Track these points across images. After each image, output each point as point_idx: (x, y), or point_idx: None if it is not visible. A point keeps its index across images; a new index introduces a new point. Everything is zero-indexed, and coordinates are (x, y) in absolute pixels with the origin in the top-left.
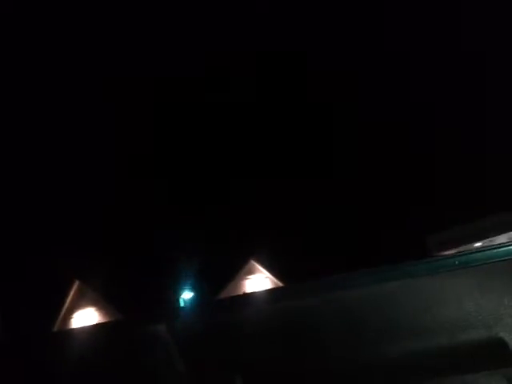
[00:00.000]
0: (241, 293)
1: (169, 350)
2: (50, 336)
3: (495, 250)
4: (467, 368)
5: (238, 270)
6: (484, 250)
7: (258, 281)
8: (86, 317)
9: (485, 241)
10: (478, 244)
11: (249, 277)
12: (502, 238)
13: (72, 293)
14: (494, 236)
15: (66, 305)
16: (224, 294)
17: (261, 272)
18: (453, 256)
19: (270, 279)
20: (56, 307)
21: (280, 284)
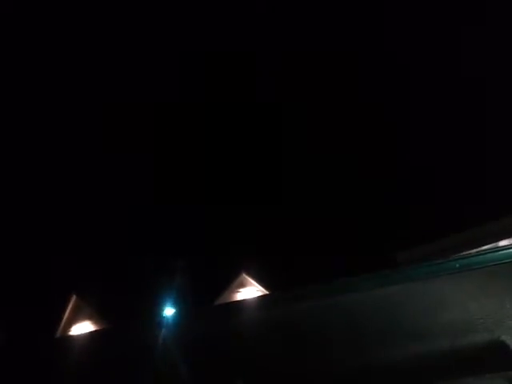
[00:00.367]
0: None
1: (170, 355)
2: (52, 342)
3: (496, 253)
4: (469, 371)
5: (229, 283)
6: (485, 253)
7: (250, 294)
8: (83, 330)
9: (455, 256)
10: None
11: (240, 290)
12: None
13: (70, 307)
14: (465, 251)
15: (64, 318)
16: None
17: (252, 285)
18: (454, 259)
19: (262, 292)
20: (55, 320)
21: None
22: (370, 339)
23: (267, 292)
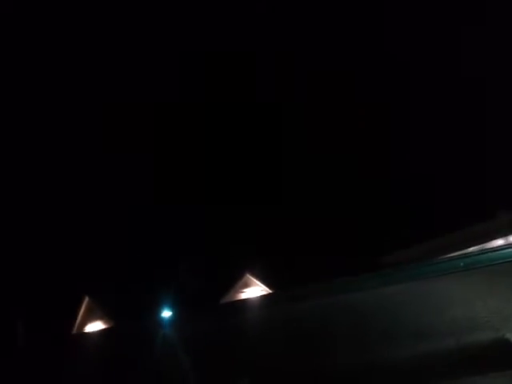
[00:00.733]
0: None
1: (175, 354)
2: (66, 339)
3: (500, 252)
4: (474, 369)
5: (233, 283)
6: (489, 252)
7: (254, 294)
8: (94, 329)
9: (440, 258)
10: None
11: (244, 290)
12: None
13: (82, 308)
14: (450, 254)
15: (78, 319)
16: None
17: (256, 285)
18: (458, 258)
19: (266, 292)
20: (69, 321)
21: None
22: (373, 338)
23: (271, 292)
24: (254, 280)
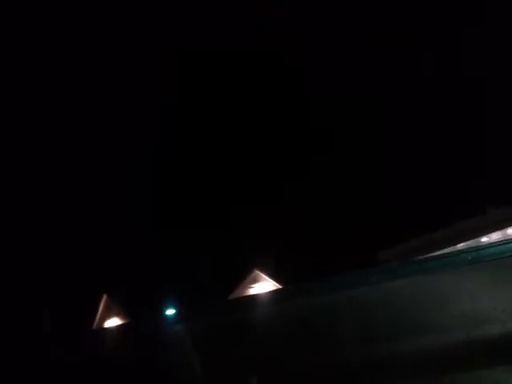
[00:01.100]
0: None
1: (185, 349)
2: (84, 334)
3: (508, 245)
4: (482, 363)
5: (242, 279)
6: (496, 245)
7: (262, 289)
8: (112, 324)
9: (432, 254)
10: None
11: (253, 285)
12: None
13: (101, 305)
14: (441, 249)
15: (98, 315)
16: None
17: (265, 280)
18: (465, 251)
19: (275, 287)
20: (89, 318)
21: None
22: (382, 332)
23: (280, 287)
24: (263, 275)
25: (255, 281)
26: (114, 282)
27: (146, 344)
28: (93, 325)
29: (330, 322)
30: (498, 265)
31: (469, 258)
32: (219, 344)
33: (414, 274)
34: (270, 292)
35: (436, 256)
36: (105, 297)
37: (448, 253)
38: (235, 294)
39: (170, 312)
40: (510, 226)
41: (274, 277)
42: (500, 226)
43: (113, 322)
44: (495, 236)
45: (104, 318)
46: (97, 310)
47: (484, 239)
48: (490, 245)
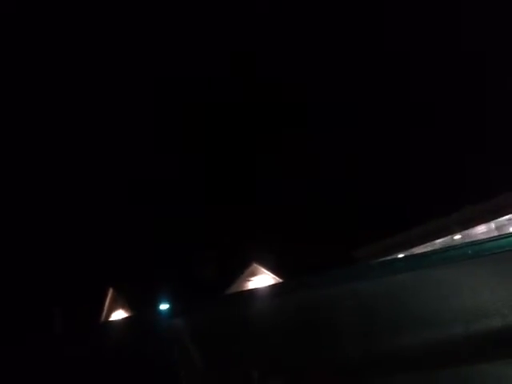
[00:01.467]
0: None
1: (185, 345)
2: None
3: (508, 239)
4: (483, 357)
5: (241, 272)
6: (497, 239)
7: (261, 282)
8: (118, 317)
9: (407, 252)
10: (401, 255)
11: (251, 279)
12: (423, 249)
13: (108, 298)
14: (416, 247)
15: (105, 308)
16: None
17: (264, 273)
18: (466, 245)
19: (273, 280)
20: (97, 310)
21: None
22: (382, 326)
23: (278, 280)
24: (261, 269)
25: (254, 274)
26: (118, 278)
27: (144, 339)
28: (101, 317)
29: (331, 316)
30: (498, 259)
31: (469, 251)
32: (218, 339)
33: (415, 268)
34: (269, 286)
35: (437, 250)
36: (111, 291)
37: (449, 247)
38: (234, 288)
39: (168, 306)
40: (482, 223)
41: (273, 270)
42: (473, 223)
43: (119, 314)
44: (469, 232)
45: (111, 310)
46: (104, 304)
47: (457, 237)
48: (491, 239)
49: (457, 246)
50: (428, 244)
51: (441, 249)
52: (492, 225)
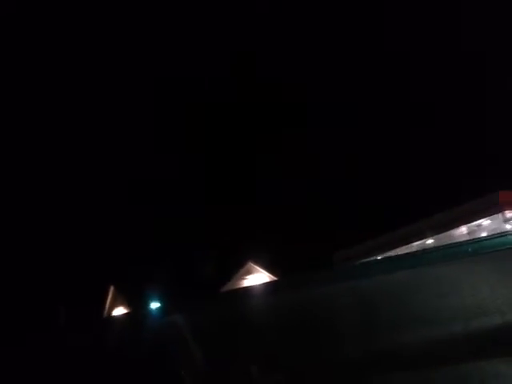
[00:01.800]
0: None
1: (186, 340)
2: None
3: (508, 237)
4: (481, 354)
5: (236, 271)
6: (497, 237)
7: (256, 281)
8: (119, 313)
9: (385, 255)
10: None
11: (247, 277)
12: (400, 252)
13: (109, 296)
14: (392, 250)
15: (107, 304)
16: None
17: (259, 272)
18: (466, 243)
19: (269, 278)
20: (100, 307)
21: None
22: (380, 324)
23: (273, 279)
24: (257, 267)
25: (249, 272)
26: (119, 276)
27: (140, 335)
28: (103, 313)
29: (330, 314)
30: (498, 256)
31: (469, 249)
32: (222, 335)
33: (415, 266)
34: (268, 283)
35: (437, 247)
36: (112, 288)
37: (449, 244)
38: (229, 286)
39: (164, 303)
40: (455, 227)
41: (268, 269)
42: (447, 227)
43: (119, 310)
44: (442, 237)
45: (112, 307)
46: (105, 302)
47: (430, 241)
48: (491, 237)
49: (457, 243)
50: (406, 247)
51: (441, 246)
52: (464, 229)
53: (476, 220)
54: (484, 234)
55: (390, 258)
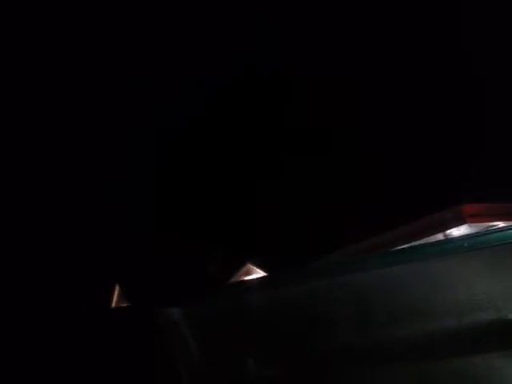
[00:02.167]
0: None
1: (182, 333)
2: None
3: (504, 232)
4: (476, 350)
5: (235, 272)
6: (493, 232)
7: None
8: None
9: (444, 239)
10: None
11: (245, 278)
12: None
13: (115, 294)
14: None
15: (113, 304)
16: None
17: (258, 273)
18: (461, 238)
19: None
20: (106, 305)
21: None
22: (375, 319)
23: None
24: (256, 268)
25: (248, 273)
26: (124, 274)
27: (140, 329)
28: (105, 309)
29: (325, 308)
30: (494, 252)
31: (465, 244)
32: (219, 327)
33: (410, 261)
34: (267, 277)
35: (432, 243)
36: (117, 287)
37: (444, 239)
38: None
39: (159, 298)
40: (453, 227)
41: (267, 270)
42: (444, 227)
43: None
44: (441, 237)
45: (118, 305)
46: (111, 299)
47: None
48: (487, 232)
49: (452, 238)
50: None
51: (436, 241)
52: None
53: (438, 233)
54: None
55: (385, 252)
